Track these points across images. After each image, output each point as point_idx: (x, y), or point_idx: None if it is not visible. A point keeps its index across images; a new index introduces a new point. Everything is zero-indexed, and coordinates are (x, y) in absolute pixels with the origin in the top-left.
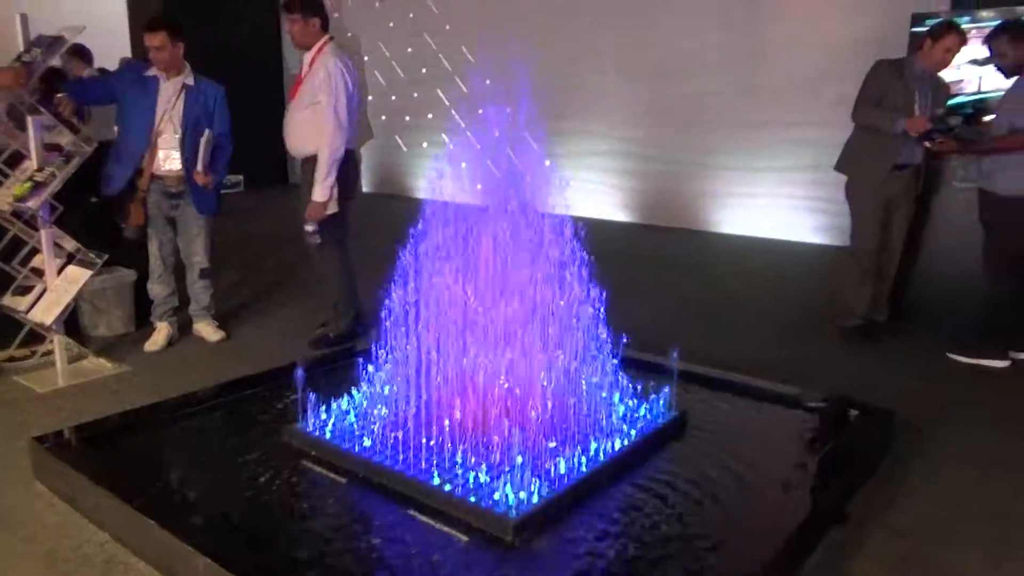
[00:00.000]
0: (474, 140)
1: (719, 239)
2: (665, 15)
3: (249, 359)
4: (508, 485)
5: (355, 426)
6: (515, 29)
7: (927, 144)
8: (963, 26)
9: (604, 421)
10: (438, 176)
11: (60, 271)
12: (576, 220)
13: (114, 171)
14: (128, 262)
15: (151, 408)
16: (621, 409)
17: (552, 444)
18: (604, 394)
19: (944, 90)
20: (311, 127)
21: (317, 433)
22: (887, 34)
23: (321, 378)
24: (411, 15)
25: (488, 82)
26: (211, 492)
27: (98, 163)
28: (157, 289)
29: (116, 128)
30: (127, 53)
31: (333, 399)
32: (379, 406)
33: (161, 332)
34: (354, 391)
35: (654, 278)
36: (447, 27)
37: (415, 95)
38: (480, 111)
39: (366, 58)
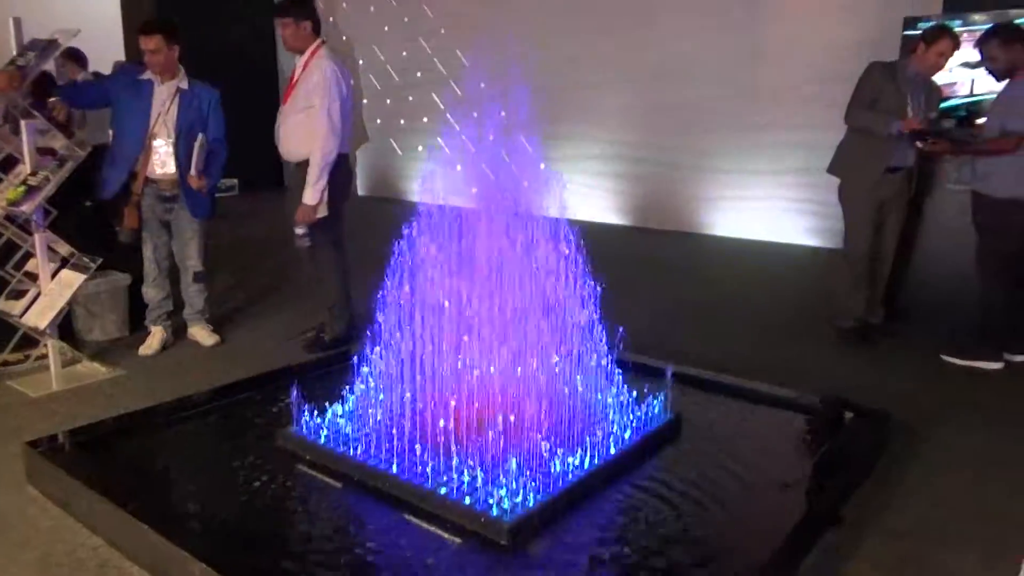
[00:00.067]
0: (469, 143)
1: (713, 241)
2: (659, 20)
3: (244, 363)
4: (503, 488)
5: (349, 430)
6: (508, 33)
7: (919, 144)
8: (956, 30)
9: (599, 424)
10: (432, 179)
11: (54, 275)
12: (570, 223)
13: (109, 175)
14: (122, 266)
15: (145, 412)
16: (616, 412)
17: (547, 446)
18: (599, 396)
19: (937, 93)
20: (305, 131)
21: (311, 437)
22: (880, 37)
23: (316, 382)
24: (406, 19)
25: (483, 86)
26: (206, 496)
27: (92, 167)
28: (151, 293)
29: (110, 132)
30: (121, 56)
31: (328, 403)
32: (373, 410)
33: (155, 336)
34: (348, 395)
35: (648, 281)
36: (442, 31)
37: (410, 98)
38: (475, 114)
39: (360, 62)
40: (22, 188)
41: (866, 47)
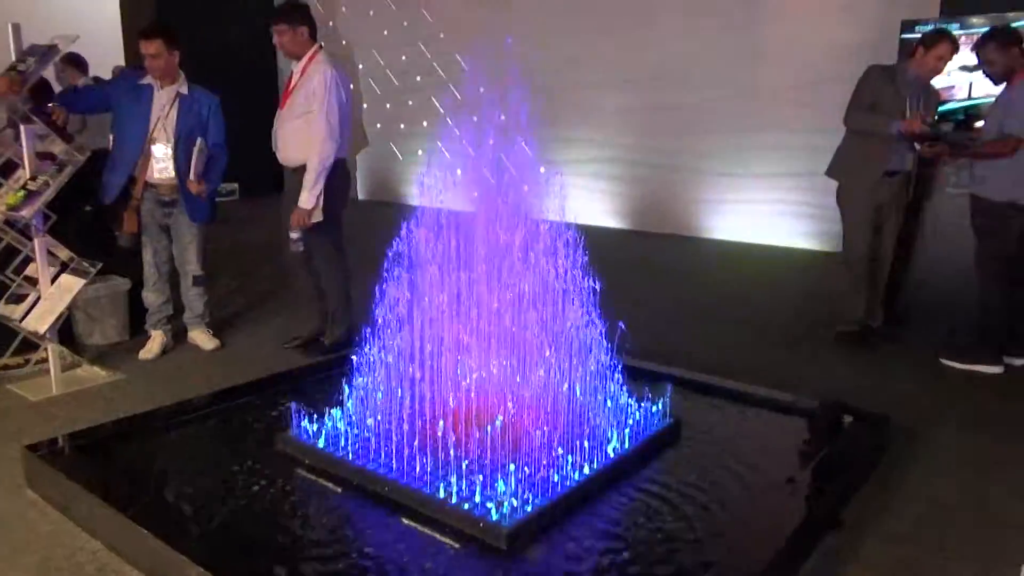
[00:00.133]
0: (469, 147)
1: (711, 245)
2: (657, 23)
3: (243, 367)
4: (501, 493)
5: (348, 434)
6: (507, 36)
7: (917, 147)
8: (954, 33)
9: (598, 428)
10: (431, 183)
11: (54, 280)
12: (567, 226)
13: (109, 180)
14: (122, 271)
15: (145, 416)
16: (615, 416)
17: (546, 451)
18: (599, 398)
19: (935, 97)
20: (303, 136)
21: (310, 441)
22: (878, 40)
23: (316, 386)
24: (405, 23)
25: (482, 90)
26: (205, 501)
27: (92, 172)
28: (151, 297)
29: (111, 137)
30: (121, 61)
31: (327, 407)
32: (371, 414)
33: (155, 340)
34: (347, 399)
35: (646, 284)
36: (441, 35)
37: (410, 103)
38: (475, 118)
39: (360, 66)
40: (22, 193)
41: (864, 50)
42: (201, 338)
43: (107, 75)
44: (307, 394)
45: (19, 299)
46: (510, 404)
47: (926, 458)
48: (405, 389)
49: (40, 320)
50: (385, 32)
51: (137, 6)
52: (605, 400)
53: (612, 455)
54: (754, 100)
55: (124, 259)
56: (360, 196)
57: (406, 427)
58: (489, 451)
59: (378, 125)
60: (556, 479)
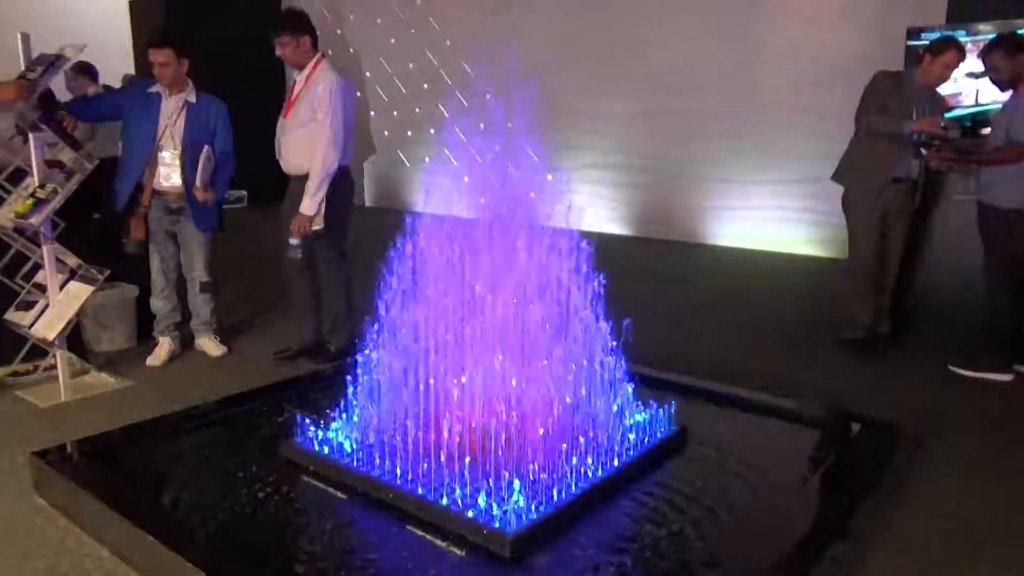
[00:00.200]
0: (476, 154)
1: (715, 251)
2: (662, 30)
3: (250, 374)
4: (506, 500)
5: (352, 440)
6: (513, 44)
7: (924, 152)
8: (961, 40)
9: (604, 435)
10: (437, 190)
11: (63, 287)
12: (575, 233)
13: (119, 187)
14: (130, 277)
15: (152, 423)
16: (621, 422)
17: (552, 457)
18: (602, 404)
19: (941, 103)
20: (307, 144)
21: (315, 448)
22: (883, 47)
23: (320, 393)
24: (412, 31)
25: (489, 97)
26: (211, 507)
27: (100, 180)
28: (159, 304)
29: (120, 144)
30: (130, 70)
31: (332, 414)
32: (376, 421)
33: (163, 347)
34: (352, 406)
35: (650, 290)
36: (447, 42)
37: (417, 110)
38: (482, 126)
39: (367, 74)
40: (31, 201)
41: (869, 57)
42: (208, 345)
43: (117, 84)
44: (313, 401)
45: (28, 306)
46: (514, 415)
47: (934, 466)
48: (409, 396)
49: (49, 327)
50: (392, 40)
51: (147, 15)
52: (610, 406)
53: (618, 462)
54: (759, 106)
55: (132, 266)
56: (367, 203)
57: (410, 434)
58: (493, 458)
59: (385, 132)
60: (561, 486)
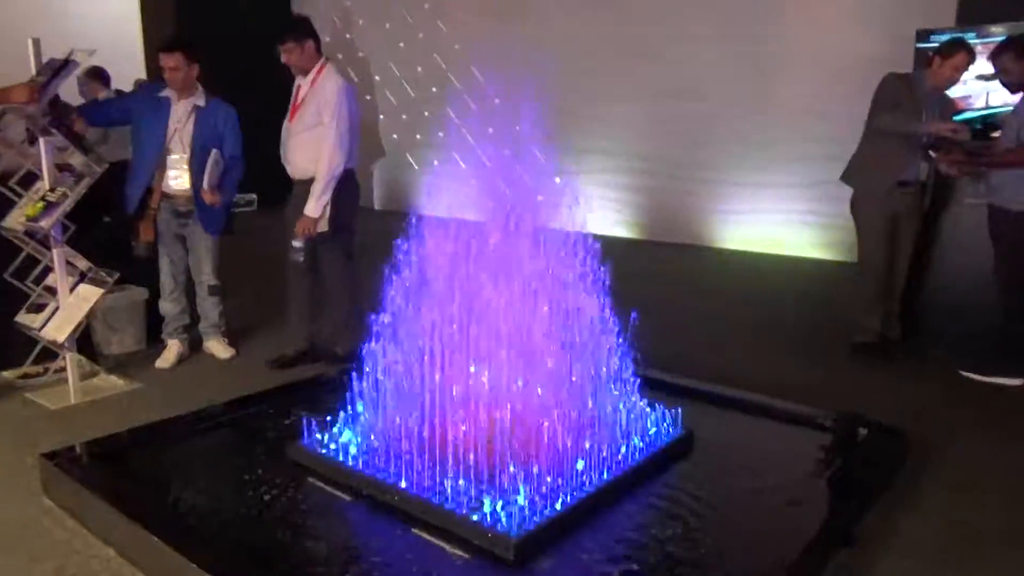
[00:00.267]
0: (484, 158)
1: (723, 255)
2: (670, 34)
3: (258, 376)
4: (511, 503)
5: (358, 444)
6: (522, 48)
7: (932, 154)
8: (970, 42)
9: (610, 438)
10: (445, 193)
11: (72, 289)
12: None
13: (129, 190)
14: (140, 280)
15: (160, 425)
16: (627, 426)
17: (558, 461)
18: (609, 409)
19: (951, 106)
20: (313, 148)
21: (321, 451)
22: (892, 50)
23: (328, 395)
24: (421, 35)
25: (497, 101)
26: (218, 510)
27: (112, 183)
28: (168, 307)
29: (131, 148)
30: (142, 74)
31: (338, 417)
32: (382, 424)
33: (172, 349)
34: (358, 409)
35: (658, 294)
36: (456, 46)
37: (426, 114)
38: (490, 130)
39: (376, 77)
40: (41, 204)
41: (878, 60)
42: (217, 347)
43: (129, 89)
44: (319, 403)
45: (39, 309)
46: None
47: (944, 472)
48: (415, 400)
49: (59, 329)
50: (401, 44)
51: (157, 21)
52: (617, 410)
53: (624, 466)
54: (767, 110)
55: (142, 269)
56: (376, 206)
57: (415, 437)
58: (499, 462)
59: (394, 136)
60: (566, 491)
